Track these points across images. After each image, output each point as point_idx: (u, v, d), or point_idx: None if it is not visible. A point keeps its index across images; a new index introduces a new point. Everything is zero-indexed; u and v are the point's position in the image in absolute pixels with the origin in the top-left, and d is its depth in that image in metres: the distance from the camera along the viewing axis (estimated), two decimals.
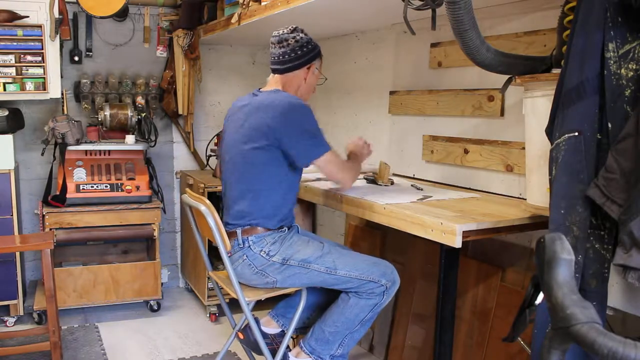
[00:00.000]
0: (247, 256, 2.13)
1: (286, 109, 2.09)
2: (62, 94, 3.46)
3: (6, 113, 3.16)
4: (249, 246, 2.13)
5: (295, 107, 2.11)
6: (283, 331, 2.32)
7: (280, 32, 2.21)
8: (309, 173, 2.61)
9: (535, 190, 1.79)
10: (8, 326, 3.29)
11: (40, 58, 3.19)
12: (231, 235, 2.15)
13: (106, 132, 3.58)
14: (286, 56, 2.20)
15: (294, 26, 2.23)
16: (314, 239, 2.26)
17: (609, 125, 1.35)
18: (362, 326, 2.13)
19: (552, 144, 1.45)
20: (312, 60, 2.23)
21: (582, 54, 1.37)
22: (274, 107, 2.10)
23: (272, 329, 2.34)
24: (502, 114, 2.28)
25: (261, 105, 2.14)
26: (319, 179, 2.57)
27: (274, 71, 2.25)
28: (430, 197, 2.17)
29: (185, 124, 3.90)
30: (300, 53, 2.20)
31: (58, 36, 3.24)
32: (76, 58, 3.61)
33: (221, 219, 2.17)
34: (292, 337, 2.23)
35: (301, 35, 2.22)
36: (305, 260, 2.09)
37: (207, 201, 2.12)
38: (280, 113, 2.08)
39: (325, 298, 2.28)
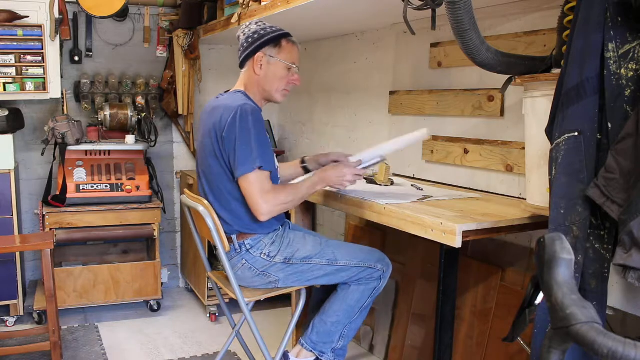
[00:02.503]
0: (246, 260, 2.12)
1: (228, 116, 2.00)
2: (62, 94, 3.46)
3: (6, 113, 3.16)
4: (248, 250, 2.12)
5: (237, 114, 1.99)
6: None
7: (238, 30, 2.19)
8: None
9: (535, 190, 1.79)
10: (8, 326, 3.29)
11: (40, 58, 3.19)
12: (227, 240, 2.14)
13: (106, 132, 3.58)
14: (238, 52, 2.17)
15: (251, 21, 2.17)
16: (308, 233, 2.27)
17: (609, 125, 1.35)
18: (360, 314, 2.16)
19: (552, 144, 1.45)
20: (257, 50, 2.10)
21: (582, 54, 1.37)
22: (221, 112, 2.04)
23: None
24: (502, 114, 2.28)
25: (214, 111, 2.09)
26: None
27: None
28: (431, 197, 2.17)
29: (186, 124, 3.90)
30: (246, 45, 2.12)
31: (58, 36, 3.24)
32: (76, 58, 3.61)
33: None
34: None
35: (251, 27, 2.13)
36: (307, 257, 2.11)
37: (206, 202, 2.12)
38: (224, 120, 2.01)
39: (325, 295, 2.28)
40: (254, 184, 1.98)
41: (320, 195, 2.35)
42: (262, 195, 1.98)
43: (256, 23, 2.16)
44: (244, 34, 2.15)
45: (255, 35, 2.12)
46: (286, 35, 2.15)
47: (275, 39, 2.12)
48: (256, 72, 2.13)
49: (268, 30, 2.13)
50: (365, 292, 2.13)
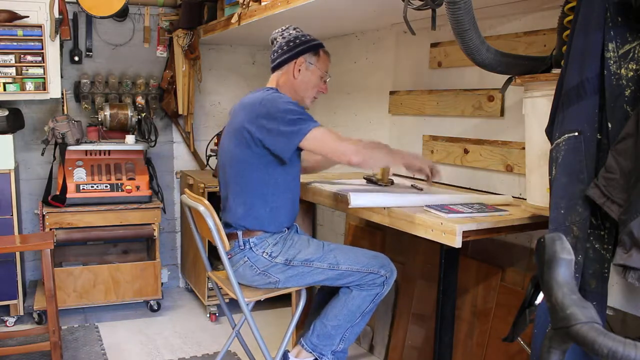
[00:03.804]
0: (248, 258, 2.13)
1: (257, 103, 2.08)
2: (62, 94, 3.46)
3: (6, 113, 3.16)
4: (251, 248, 2.13)
5: (266, 98, 2.07)
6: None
7: (274, 31, 2.25)
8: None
9: (535, 190, 1.79)
10: (8, 326, 3.29)
11: (40, 58, 3.19)
12: (232, 236, 2.15)
13: (106, 132, 3.58)
14: (275, 54, 2.24)
15: (288, 25, 2.25)
16: (313, 238, 2.26)
17: (609, 125, 1.35)
18: (362, 319, 2.14)
19: (552, 144, 1.45)
20: (298, 55, 2.18)
21: (582, 54, 1.37)
22: (251, 103, 2.11)
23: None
24: (502, 114, 2.28)
25: (243, 104, 2.17)
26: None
27: (271, 70, 2.29)
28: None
29: (185, 124, 3.90)
30: (287, 48, 2.19)
31: (58, 36, 3.24)
32: (76, 58, 3.61)
33: (221, 219, 2.17)
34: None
35: (291, 32, 2.22)
36: (308, 260, 2.10)
37: (206, 202, 2.12)
38: (251, 109, 2.08)
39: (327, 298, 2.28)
40: (324, 134, 2.00)
41: (320, 196, 2.35)
42: (339, 141, 1.99)
43: (295, 29, 2.24)
44: (284, 37, 2.21)
45: (297, 41, 2.20)
46: (323, 46, 2.25)
47: (315, 47, 2.21)
48: (294, 75, 2.19)
49: (308, 37, 2.22)
50: (367, 298, 2.11)
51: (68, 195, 3.28)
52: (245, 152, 2.10)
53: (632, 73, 1.33)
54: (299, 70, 2.19)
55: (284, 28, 2.25)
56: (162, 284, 3.61)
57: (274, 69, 2.25)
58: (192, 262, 3.70)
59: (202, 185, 3.31)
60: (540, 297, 1.47)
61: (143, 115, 3.62)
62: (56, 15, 3.20)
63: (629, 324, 1.79)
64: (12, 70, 3.15)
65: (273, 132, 2.02)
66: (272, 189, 2.12)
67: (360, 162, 1.99)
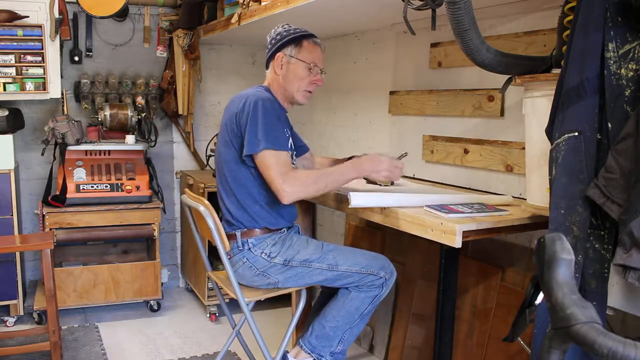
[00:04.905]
0: (247, 259, 2.13)
1: (239, 103, 2.10)
2: (62, 94, 3.46)
3: (6, 113, 3.16)
4: (249, 248, 2.13)
5: (249, 101, 2.07)
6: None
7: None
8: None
9: (535, 190, 1.79)
10: (8, 326, 3.29)
11: (40, 58, 3.19)
12: (230, 237, 2.15)
13: (106, 132, 3.58)
14: (266, 54, 2.26)
15: (280, 24, 2.24)
16: (312, 239, 2.26)
17: (609, 125, 1.35)
18: (361, 320, 2.14)
19: (552, 144, 1.45)
20: (278, 50, 2.17)
21: (582, 54, 1.37)
22: (236, 102, 2.14)
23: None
24: (502, 114, 2.28)
25: (233, 102, 2.19)
26: None
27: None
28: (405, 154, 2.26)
29: (185, 124, 3.90)
30: (270, 46, 2.21)
31: (58, 36, 3.24)
32: (76, 58, 3.61)
33: (221, 218, 2.17)
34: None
35: (278, 29, 2.21)
36: (307, 260, 2.10)
37: (206, 202, 2.12)
38: (239, 107, 2.09)
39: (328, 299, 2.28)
40: (269, 166, 1.99)
41: (321, 195, 2.35)
42: (280, 175, 1.96)
43: (282, 26, 2.22)
44: (270, 36, 2.22)
45: (278, 37, 2.19)
46: (309, 36, 2.20)
47: (297, 39, 2.17)
48: (277, 71, 2.19)
49: (292, 31, 2.19)
50: (365, 300, 2.11)
51: (68, 195, 3.28)
52: (228, 151, 2.13)
53: (632, 73, 1.33)
54: (281, 66, 2.17)
55: (275, 28, 2.24)
56: (162, 284, 3.61)
57: (266, 68, 2.27)
58: (192, 262, 3.70)
59: (202, 185, 3.31)
60: (540, 297, 1.47)
61: (143, 115, 3.62)
62: (56, 15, 3.20)
63: (629, 324, 1.79)
64: (12, 70, 3.15)
65: (247, 133, 2.04)
66: (259, 186, 2.12)
67: (290, 202, 2.00)
